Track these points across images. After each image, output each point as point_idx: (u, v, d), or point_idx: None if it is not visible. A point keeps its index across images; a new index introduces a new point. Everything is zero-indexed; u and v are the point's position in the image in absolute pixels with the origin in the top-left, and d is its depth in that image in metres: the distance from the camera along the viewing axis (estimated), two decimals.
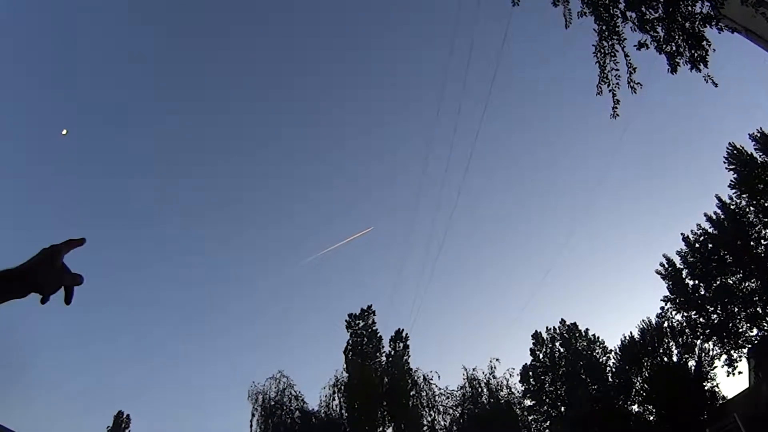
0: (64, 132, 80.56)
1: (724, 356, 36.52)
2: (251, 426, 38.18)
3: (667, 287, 39.21)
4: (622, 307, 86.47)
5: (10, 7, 67.74)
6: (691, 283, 38.19)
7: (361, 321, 45.24)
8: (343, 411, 40.07)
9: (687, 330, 38.67)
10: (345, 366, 42.26)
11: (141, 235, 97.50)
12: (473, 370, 41.50)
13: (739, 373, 36.03)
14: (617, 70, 12.25)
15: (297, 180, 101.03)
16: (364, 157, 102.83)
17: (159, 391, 76.91)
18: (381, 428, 39.96)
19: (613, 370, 43.36)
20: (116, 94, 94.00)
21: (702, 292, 37.46)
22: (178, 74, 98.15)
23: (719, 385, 38.06)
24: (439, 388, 40.85)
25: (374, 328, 45.14)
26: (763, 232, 35.92)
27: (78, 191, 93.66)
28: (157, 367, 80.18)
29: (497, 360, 42.55)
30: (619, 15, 12.20)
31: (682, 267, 38.78)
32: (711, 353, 38.04)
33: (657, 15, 11.96)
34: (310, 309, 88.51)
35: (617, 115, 12.42)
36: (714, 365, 37.87)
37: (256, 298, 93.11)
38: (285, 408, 39.52)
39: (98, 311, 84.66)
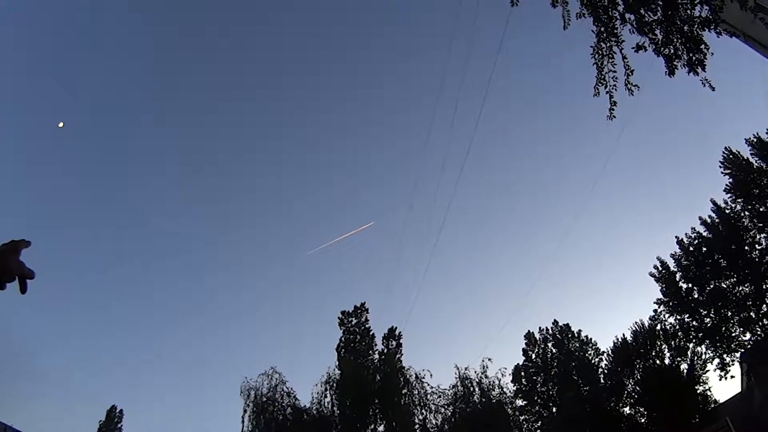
0: (61, 124, 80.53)
1: (717, 360, 36.60)
2: (243, 421, 38.11)
3: (660, 290, 39.32)
4: (615, 309, 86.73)
5: (9, 5, 67.64)
6: (684, 286, 38.26)
7: (354, 318, 45.23)
8: (334, 408, 40.00)
9: (680, 333, 38.76)
10: (337, 363, 42.21)
11: (134, 232, 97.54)
12: (465, 369, 41.45)
13: (732, 377, 36.14)
14: (615, 71, 12.20)
15: (292, 179, 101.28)
16: (361, 157, 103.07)
17: (152, 387, 77.12)
18: (372, 426, 39.88)
19: (605, 371, 43.42)
20: (114, 91, 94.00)
21: (695, 296, 37.52)
22: (176, 73, 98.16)
23: (711, 389, 38.24)
24: (431, 387, 40.80)
25: (367, 325, 45.18)
26: (758, 236, 35.99)
27: (73, 188, 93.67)
28: (151, 363, 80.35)
29: (489, 360, 42.44)
30: (618, 17, 12.13)
31: (676, 270, 38.84)
32: (703, 357, 38.13)
33: (656, 17, 11.90)
34: (303, 306, 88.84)
35: (614, 116, 12.38)
36: (706, 369, 37.99)
37: (250, 294, 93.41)
38: (277, 404, 39.44)
39: (92, 307, 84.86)
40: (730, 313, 36.16)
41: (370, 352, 43.87)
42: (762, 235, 35.85)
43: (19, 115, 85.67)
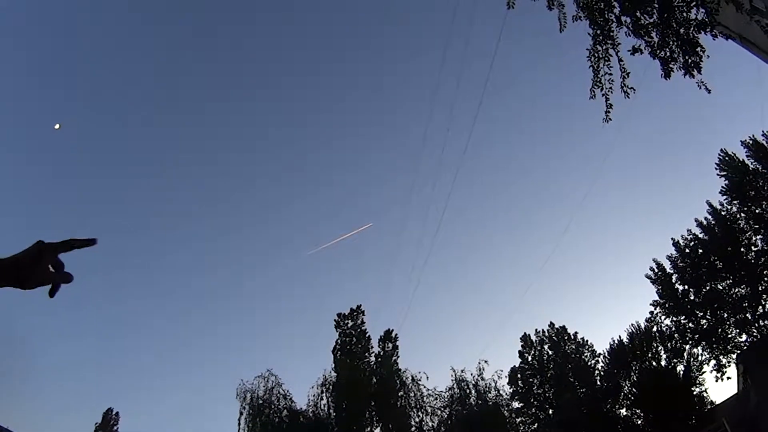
0: (57, 126, 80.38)
1: (713, 361, 36.62)
2: (239, 424, 38.08)
3: (656, 292, 39.30)
4: (611, 311, 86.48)
5: (7, 5, 67.48)
6: (680, 288, 38.24)
7: (350, 321, 45.17)
8: (331, 411, 39.99)
9: (676, 335, 38.79)
10: (333, 366, 42.19)
11: (128, 235, 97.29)
12: (462, 371, 41.58)
13: (728, 378, 36.17)
14: (611, 74, 12.19)
15: (286, 179, 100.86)
16: (356, 157, 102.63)
17: (148, 389, 76.63)
18: (369, 428, 39.87)
19: (602, 373, 43.40)
20: (112, 92, 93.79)
21: (691, 298, 37.53)
22: (174, 73, 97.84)
23: (708, 390, 38.28)
24: (428, 389, 40.89)
25: (363, 328, 45.10)
26: (754, 238, 36.03)
27: (70, 190, 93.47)
28: (146, 365, 79.83)
29: (486, 362, 42.51)
30: (614, 20, 12.10)
31: (672, 272, 38.83)
32: (700, 358, 38.22)
33: (652, 20, 11.89)
34: (299, 308, 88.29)
35: (610, 119, 12.38)
36: (703, 370, 38.09)
37: (245, 296, 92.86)
38: (273, 407, 39.39)
39: (88, 309, 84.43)
40: (726, 315, 36.17)
41: (367, 354, 43.81)
42: (758, 237, 35.89)
43: (18, 114, 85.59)
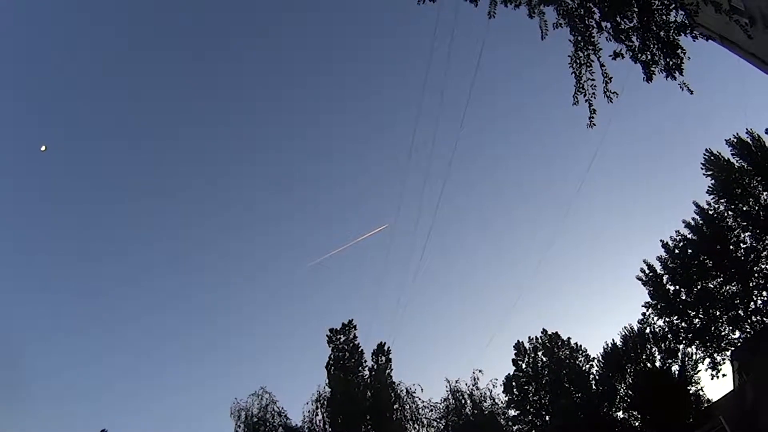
0: (43, 148, 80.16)
1: (708, 360, 36.66)
2: None
3: (648, 293, 39.30)
4: (604, 315, 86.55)
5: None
6: (672, 288, 38.28)
7: (342, 336, 44.87)
8: (326, 426, 39.85)
9: (669, 335, 38.77)
10: (327, 381, 41.98)
11: (123, 249, 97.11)
12: (456, 382, 41.60)
13: (723, 375, 36.21)
14: (593, 80, 12.13)
15: (277, 198, 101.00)
16: (345, 171, 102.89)
17: (141, 409, 76.22)
18: None
19: (597, 377, 43.25)
20: (113, 101, 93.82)
21: (683, 297, 37.57)
22: (173, 81, 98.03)
23: (704, 389, 38.27)
24: (423, 401, 40.86)
25: (356, 342, 44.83)
26: (742, 235, 36.15)
27: (67, 201, 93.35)
28: (140, 385, 79.55)
29: (480, 371, 42.45)
30: (594, 25, 12.07)
31: (662, 273, 38.85)
32: (694, 357, 38.17)
33: (632, 24, 11.87)
34: (291, 324, 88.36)
35: (594, 124, 12.30)
36: (698, 369, 38.03)
37: (238, 314, 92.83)
38: (268, 424, 39.30)
39: (83, 330, 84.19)
40: (718, 313, 36.28)
41: (360, 368, 43.54)
42: (746, 234, 36.02)
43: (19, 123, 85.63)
